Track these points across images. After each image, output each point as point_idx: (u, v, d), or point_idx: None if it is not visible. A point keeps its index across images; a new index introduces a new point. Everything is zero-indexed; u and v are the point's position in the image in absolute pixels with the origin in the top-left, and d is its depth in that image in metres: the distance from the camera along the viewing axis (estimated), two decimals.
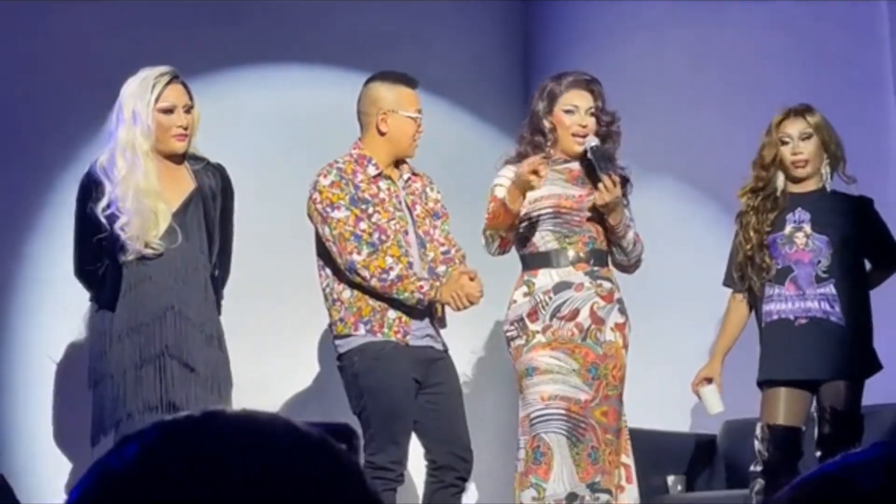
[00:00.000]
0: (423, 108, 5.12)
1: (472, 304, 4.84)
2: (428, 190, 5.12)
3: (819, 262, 4.98)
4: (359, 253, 4.82)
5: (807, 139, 5.06)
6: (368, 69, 6.45)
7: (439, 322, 5.01)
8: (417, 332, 4.92)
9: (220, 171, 4.96)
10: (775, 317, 5.02)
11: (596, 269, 4.95)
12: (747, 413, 5.26)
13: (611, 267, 5.04)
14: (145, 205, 4.67)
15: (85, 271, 4.80)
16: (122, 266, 4.69)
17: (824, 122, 5.06)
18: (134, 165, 4.67)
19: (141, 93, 4.71)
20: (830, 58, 6.05)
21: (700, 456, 6.17)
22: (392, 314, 4.87)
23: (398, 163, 5.07)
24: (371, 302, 4.88)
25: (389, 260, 4.83)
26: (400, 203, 4.98)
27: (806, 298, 4.97)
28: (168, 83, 4.75)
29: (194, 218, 4.82)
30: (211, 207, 4.87)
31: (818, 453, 4.88)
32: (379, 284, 4.81)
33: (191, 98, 4.83)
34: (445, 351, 5.03)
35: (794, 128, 5.06)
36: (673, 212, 6.52)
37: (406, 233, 4.95)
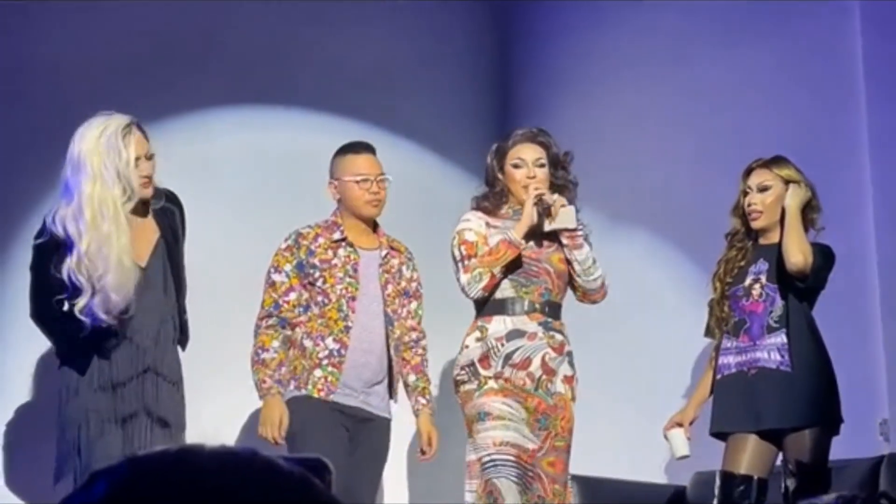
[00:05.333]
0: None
1: (274, 436, 4.98)
2: (404, 268, 5.30)
3: (771, 311, 4.97)
4: (264, 320, 5.10)
5: (764, 191, 5.05)
6: (345, 112, 6.47)
7: (392, 392, 5.21)
8: (346, 392, 5.08)
9: (174, 201, 4.86)
10: (734, 370, 5.03)
11: (549, 320, 5.04)
12: (718, 464, 5.23)
13: (563, 321, 5.11)
14: (126, 268, 4.51)
15: (45, 317, 4.63)
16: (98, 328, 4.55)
17: (792, 176, 5.02)
18: (111, 223, 4.48)
19: (112, 148, 4.52)
20: (806, 109, 6.04)
21: None
22: (318, 373, 5.08)
23: (376, 229, 5.29)
24: (304, 361, 5.10)
25: (275, 343, 5.06)
26: (356, 271, 5.14)
27: (756, 349, 4.97)
28: (130, 134, 4.58)
29: (160, 267, 4.76)
30: (175, 251, 4.82)
31: None
32: (252, 354, 5.08)
33: (147, 140, 4.67)
34: (386, 418, 5.18)
35: (755, 179, 5.07)
36: (645, 264, 6.50)
37: (353, 299, 5.11)
